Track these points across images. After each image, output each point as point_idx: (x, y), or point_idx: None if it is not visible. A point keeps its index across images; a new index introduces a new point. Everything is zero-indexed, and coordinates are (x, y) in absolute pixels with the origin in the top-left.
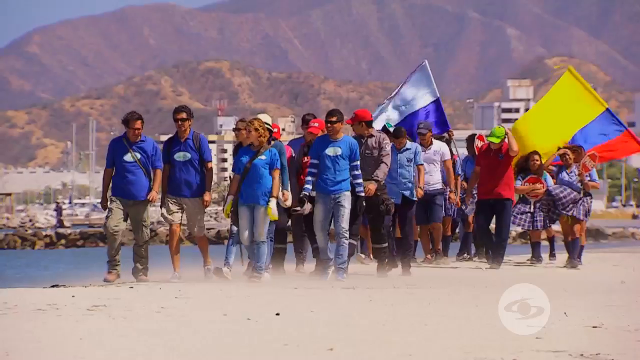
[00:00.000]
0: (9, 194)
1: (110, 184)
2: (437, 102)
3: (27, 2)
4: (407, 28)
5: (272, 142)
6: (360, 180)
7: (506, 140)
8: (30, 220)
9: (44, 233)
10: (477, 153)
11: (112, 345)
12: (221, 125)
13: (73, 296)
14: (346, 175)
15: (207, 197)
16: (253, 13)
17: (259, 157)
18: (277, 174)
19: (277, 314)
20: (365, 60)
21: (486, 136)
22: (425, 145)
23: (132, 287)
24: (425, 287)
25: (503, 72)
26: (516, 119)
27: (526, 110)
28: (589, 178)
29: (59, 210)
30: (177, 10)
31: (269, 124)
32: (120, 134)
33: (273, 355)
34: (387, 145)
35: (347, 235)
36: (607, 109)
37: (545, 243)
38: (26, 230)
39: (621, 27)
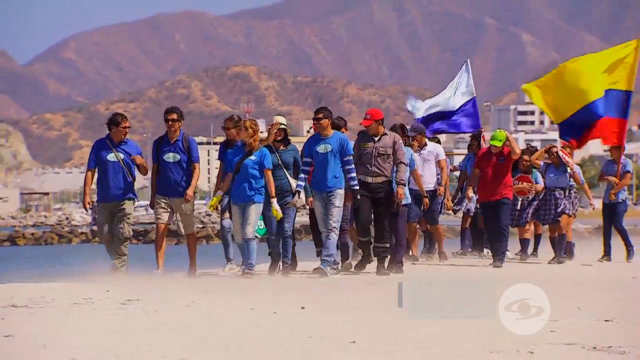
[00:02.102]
0: (47, 194)
1: (91, 187)
2: (472, 101)
3: (63, 10)
4: (426, 34)
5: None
6: (353, 174)
7: (507, 143)
8: (67, 218)
9: (79, 230)
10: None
11: (145, 338)
12: None
13: (107, 291)
14: (339, 172)
15: (189, 191)
16: (279, 20)
17: (249, 158)
18: (268, 174)
19: (302, 308)
20: (386, 65)
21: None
22: (419, 147)
23: (163, 282)
24: (441, 284)
25: (518, 76)
26: (532, 122)
27: (541, 113)
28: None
29: (94, 208)
30: (207, 17)
31: (285, 125)
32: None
33: (298, 347)
34: (402, 145)
35: (337, 231)
36: (630, 93)
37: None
38: (63, 228)
39: (632, 32)
